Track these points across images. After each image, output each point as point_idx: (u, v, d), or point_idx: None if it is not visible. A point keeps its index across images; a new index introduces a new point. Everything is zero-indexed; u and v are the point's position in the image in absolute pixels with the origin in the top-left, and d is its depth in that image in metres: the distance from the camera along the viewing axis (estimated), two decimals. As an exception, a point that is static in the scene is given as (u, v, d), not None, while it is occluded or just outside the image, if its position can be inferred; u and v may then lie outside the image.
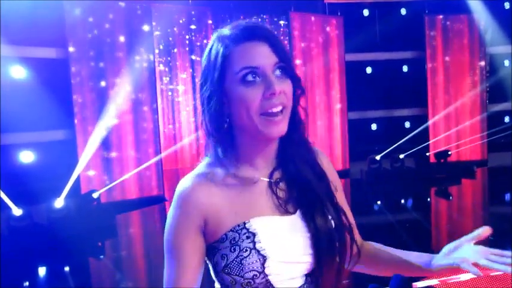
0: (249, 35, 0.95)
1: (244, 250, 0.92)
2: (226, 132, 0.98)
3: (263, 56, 0.94)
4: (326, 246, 0.97)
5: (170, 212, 0.99)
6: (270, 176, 1.02)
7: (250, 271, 0.92)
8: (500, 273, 3.70)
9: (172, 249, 0.97)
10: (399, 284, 3.02)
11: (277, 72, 0.95)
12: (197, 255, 0.97)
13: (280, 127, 0.95)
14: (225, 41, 0.96)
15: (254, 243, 0.93)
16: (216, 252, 0.96)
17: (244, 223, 0.95)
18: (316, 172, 1.04)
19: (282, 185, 1.02)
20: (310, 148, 1.07)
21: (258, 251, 0.92)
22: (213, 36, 1.00)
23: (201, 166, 1.03)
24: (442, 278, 3.65)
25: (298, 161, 1.03)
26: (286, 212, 0.99)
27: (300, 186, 1.02)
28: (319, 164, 1.07)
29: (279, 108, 0.94)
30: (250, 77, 0.93)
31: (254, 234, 0.94)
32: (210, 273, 1.02)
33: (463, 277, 3.71)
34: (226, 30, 0.98)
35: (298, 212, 1.00)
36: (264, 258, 0.92)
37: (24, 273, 4.40)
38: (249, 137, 0.98)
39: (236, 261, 0.92)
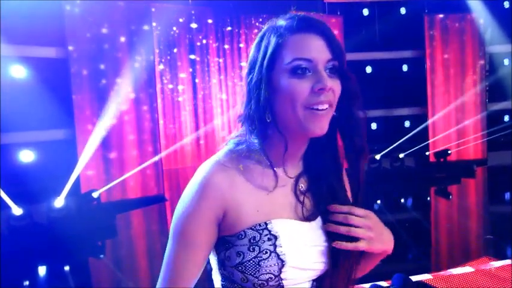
0: (305, 26, 0.92)
1: (264, 252, 0.90)
2: (266, 124, 0.94)
3: (317, 49, 0.91)
4: (342, 257, 0.96)
5: (187, 197, 0.93)
6: (297, 179, 1.00)
7: (266, 273, 0.90)
8: (490, 267, 3.77)
9: (182, 237, 0.93)
10: (401, 282, 3.03)
11: (329, 68, 0.92)
12: (208, 245, 0.94)
13: (323, 123, 0.91)
14: (280, 30, 0.93)
15: (275, 246, 0.90)
16: (230, 247, 0.92)
17: (266, 223, 0.92)
18: (338, 187, 1.02)
19: (306, 190, 1.00)
20: (337, 159, 1.04)
21: (278, 255, 0.90)
22: (265, 26, 0.97)
23: (224, 153, 0.98)
24: (435, 273, 3.68)
25: (323, 171, 1.01)
26: (307, 218, 0.97)
27: (321, 195, 0.99)
28: (342, 179, 1.05)
29: (325, 106, 0.91)
30: (301, 68, 0.90)
31: (276, 237, 0.91)
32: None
33: (455, 271, 3.74)
34: (281, 21, 0.95)
35: (317, 220, 0.98)
36: (282, 263, 0.90)
37: (24, 273, 4.40)
38: (286, 133, 0.94)
39: (254, 261, 0.89)
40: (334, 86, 0.92)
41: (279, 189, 0.97)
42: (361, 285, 3.14)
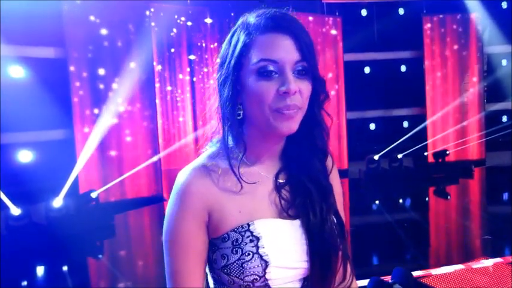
0: (273, 25, 0.90)
1: (246, 254, 0.89)
2: (238, 121, 0.94)
3: (284, 50, 0.89)
4: (319, 257, 0.95)
5: (171, 206, 0.93)
6: (276, 176, 0.99)
7: (250, 275, 0.89)
8: (482, 265, 3.82)
9: (176, 246, 0.92)
10: (401, 276, 3.04)
11: (297, 70, 0.90)
12: (204, 249, 0.93)
13: (291, 123, 0.90)
14: (249, 29, 0.92)
15: (257, 247, 0.90)
16: (215, 250, 0.92)
17: (249, 225, 0.91)
18: (321, 185, 1.00)
19: (286, 187, 0.99)
20: (322, 158, 1.01)
21: (261, 256, 0.89)
22: (238, 21, 0.96)
23: (203, 157, 0.98)
24: (430, 269, 3.71)
25: (303, 169, 0.99)
26: (288, 216, 0.96)
27: (302, 193, 0.98)
28: (327, 178, 1.02)
29: (292, 110, 0.89)
30: (266, 70, 0.88)
31: (258, 239, 0.90)
32: None
33: (451, 269, 3.78)
34: (251, 18, 0.94)
35: (298, 217, 0.97)
36: (266, 264, 0.89)
37: (22, 273, 4.40)
38: (258, 131, 0.94)
39: (237, 263, 0.89)
40: (302, 87, 0.90)
41: (260, 189, 0.96)
42: (360, 281, 3.15)
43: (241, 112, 0.93)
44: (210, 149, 1.00)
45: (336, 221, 1.00)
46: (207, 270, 0.97)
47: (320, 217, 0.97)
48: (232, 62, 0.92)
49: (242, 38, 0.92)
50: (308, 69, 0.92)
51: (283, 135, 0.93)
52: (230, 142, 0.95)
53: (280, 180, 0.99)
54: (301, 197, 0.98)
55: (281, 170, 1.00)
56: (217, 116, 0.97)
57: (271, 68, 0.88)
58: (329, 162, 1.04)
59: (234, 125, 0.94)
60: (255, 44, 0.90)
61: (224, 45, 0.97)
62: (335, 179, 1.07)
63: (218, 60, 0.97)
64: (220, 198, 0.93)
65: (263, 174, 0.98)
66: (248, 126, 0.95)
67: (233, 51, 0.93)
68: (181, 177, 0.94)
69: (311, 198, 0.98)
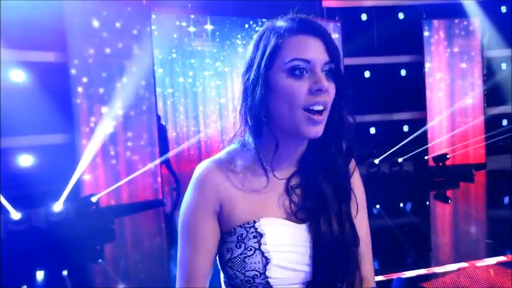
0: (305, 28, 0.94)
1: (249, 249, 0.92)
2: (261, 122, 0.95)
3: (316, 51, 0.92)
4: (324, 263, 0.96)
5: (187, 195, 0.98)
6: (289, 178, 1.00)
7: (251, 270, 0.92)
8: (484, 264, 3.81)
9: (188, 232, 0.97)
10: (402, 286, 3.03)
11: (325, 70, 0.93)
12: (213, 238, 0.97)
13: (318, 127, 0.92)
14: (280, 31, 0.94)
15: (260, 244, 0.92)
16: (222, 244, 0.96)
17: (254, 221, 0.94)
18: (341, 186, 1.01)
19: (298, 190, 1.00)
20: (347, 159, 1.03)
21: (262, 253, 0.92)
22: (264, 26, 0.99)
23: (223, 153, 1.01)
24: (430, 268, 3.72)
25: (320, 172, 1.00)
26: (296, 219, 0.97)
27: (315, 197, 0.99)
28: (349, 179, 1.03)
29: (321, 107, 0.91)
30: (299, 68, 0.91)
31: (261, 235, 0.93)
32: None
33: (449, 268, 3.80)
34: (281, 22, 0.96)
35: (307, 222, 0.97)
36: (266, 261, 0.92)
37: (22, 277, 4.40)
38: (283, 134, 0.95)
39: (240, 258, 0.93)
40: (330, 88, 0.93)
41: (271, 189, 0.98)
42: None
43: (265, 114, 0.95)
44: (229, 147, 1.02)
45: (349, 228, 1.00)
46: (219, 265, 1.00)
47: (334, 222, 0.98)
48: (263, 62, 0.93)
49: (273, 39, 0.94)
50: (334, 71, 0.95)
51: (309, 138, 0.94)
52: (252, 142, 0.98)
53: (292, 184, 1.00)
54: (314, 201, 0.99)
55: (295, 173, 1.01)
56: (242, 117, 0.99)
57: (303, 67, 0.91)
58: (351, 165, 1.05)
59: (259, 126, 0.96)
60: (286, 45, 0.92)
61: (250, 49, 0.99)
62: (357, 183, 1.08)
63: (244, 65, 1.00)
64: (233, 193, 0.96)
65: (278, 176, 0.99)
66: (273, 128, 0.96)
67: (263, 52, 0.94)
68: (200, 169, 0.98)
69: (324, 203, 0.99)
